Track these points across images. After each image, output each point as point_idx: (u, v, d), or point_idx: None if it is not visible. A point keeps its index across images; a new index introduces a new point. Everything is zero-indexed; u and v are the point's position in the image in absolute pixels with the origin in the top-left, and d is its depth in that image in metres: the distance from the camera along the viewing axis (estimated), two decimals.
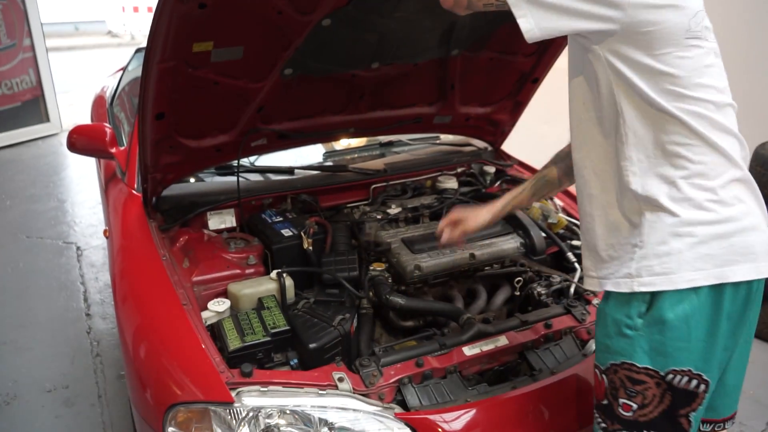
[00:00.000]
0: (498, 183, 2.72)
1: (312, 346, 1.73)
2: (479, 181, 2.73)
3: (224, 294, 1.93)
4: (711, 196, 1.29)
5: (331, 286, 2.01)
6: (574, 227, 2.41)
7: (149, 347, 1.72)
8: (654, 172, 1.31)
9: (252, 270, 2.03)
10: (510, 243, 2.21)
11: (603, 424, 1.46)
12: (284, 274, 1.94)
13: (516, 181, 2.68)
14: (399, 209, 2.42)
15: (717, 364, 1.35)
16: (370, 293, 2.03)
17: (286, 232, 2.16)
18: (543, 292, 2.11)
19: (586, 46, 1.31)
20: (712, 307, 1.31)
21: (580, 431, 1.69)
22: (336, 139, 2.61)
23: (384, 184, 2.58)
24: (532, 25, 1.25)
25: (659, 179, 1.31)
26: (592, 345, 1.89)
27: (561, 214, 2.43)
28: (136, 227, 2.17)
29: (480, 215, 1.82)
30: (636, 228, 1.34)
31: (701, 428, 1.54)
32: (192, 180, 2.53)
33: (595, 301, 2.02)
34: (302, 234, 2.12)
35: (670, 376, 1.34)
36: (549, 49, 2.37)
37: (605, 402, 1.45)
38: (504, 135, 2.86)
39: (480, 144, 2.95)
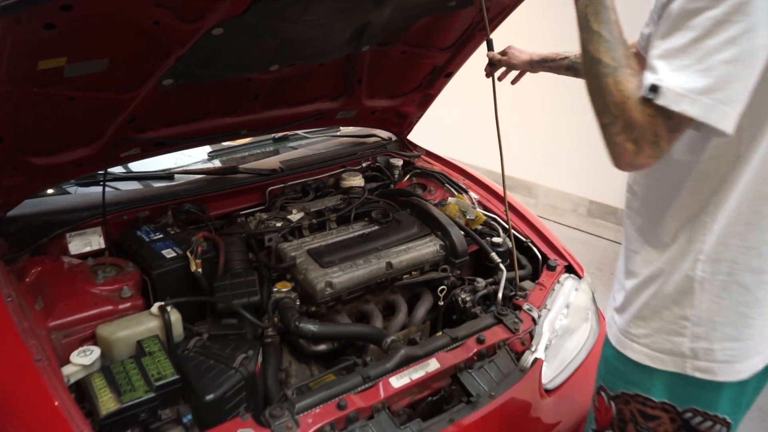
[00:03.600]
0: (408, 177, 2.49)
1: (209, 397, 1.42)
2: (387, 175, 2.49)
3: (93, 340, 1.55)
4: None
5: (228, 315, 1.69)
6: (493, 222, 2.23)
7: None
8: (738, 235, 1.05)
9: (128, 304, 1.65)
10: (429, 247, 1.98)
11: None
12: (168, 308, 1.59)
13: (427, 174, 2.47)
14: (301, 214, 2.12)
15: (746, 405, 1.19)
16: (276, 319, 1.73)
17: (168, 253, 1.80)
18: (468, 298, 1.91)
19: None
20: None
21: None
22: (225, 141, 2.25)
23: (281, 185, 2.27)
24: (734, 118, 0.92)
25: (741, 242, 1.06)
26: (528, 357, 1.71)
27: (478, 209, 2.24)
28: None
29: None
30: (688, 295, 1.11)
31: None
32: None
33: (526, 306, 1.84)
34: (188, 254, 1.77)
35: (689, 414, 1.16)
36: (468, 45, 2.16)
37: None
38: (411, 126, 2.63)
39: (384, 134, 2.70)
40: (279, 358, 1.75)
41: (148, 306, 1.65)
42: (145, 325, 1.56)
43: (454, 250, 1.99)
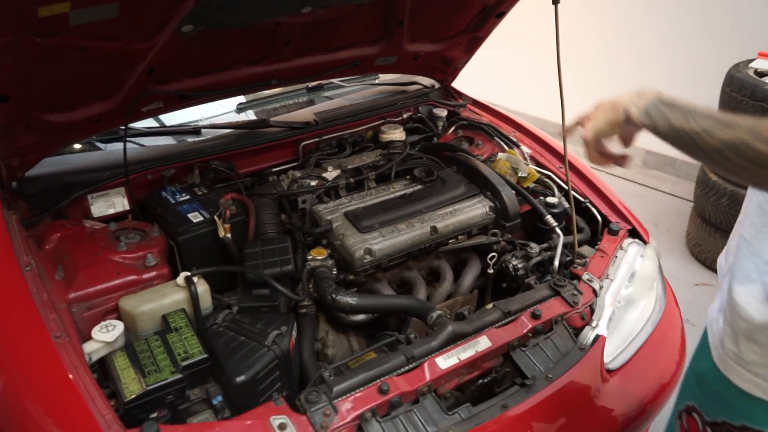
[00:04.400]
0: (452, 129, 2.28)
1: (239, 379, 1.31)
2: (429, 127, 2.29)
3: (116, 313, 1.45)
4: None
5: (259, 284, 1.56)
6: (547, 180, 2.02)
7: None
8: None
9: (153, 274, 1.53)
10: (477, 209, 1.80)
11: None
12: (195, 278, 1.46)
13: (474, 126, 2.26)
14: (337, 172, 1.96)
15: None
16: (310, 288, 1.60)
17: (195, 217, 1.66)
18: (519, 266, 1.75)
19: None
20: None
21: None
22: (253, 91, 2.07)
23: (316, 139, 2.10)
24: None
25: None
26: (588, 334, 1.55)
27: (531, 166, 2.04)
28: None
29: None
30: None
31: None
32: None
33: (586, 275, 1.66)
34: (216, 218, 1.64)
35: None
36: None
37: None
38: (456, 72, 2.40)
39: (426, 81, 2.48)
40: (315, 328, 1.63)
41: (175, 275, 1.54)
42: (170, 297, 1.45)
43: (505, 212, 1.81)
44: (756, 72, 2.77)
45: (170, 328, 1.38)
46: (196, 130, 2.05)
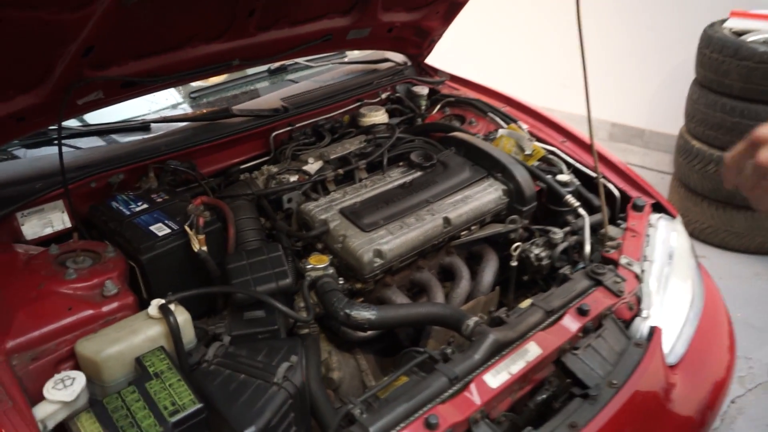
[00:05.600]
0: (438, 107, 2.04)
1: (249, 431, 1.01)
2: (411, 108, 2.04)
3: (73, 361, 1.12)
4: None
5: (249, 305, 1.27)
6: (552, 156, 1.81)
7: None
8: None
9: (115, 305, 1.21)
10: (489, 193, 1.57)
11: None
12: (172, 305, 1.16)
13: (463, 103, 2.02)
14: (320, 163, 1.68)
15: None
16: (313, 302, 1.32)
17: (160, 229, 1.35)
18: (543, 254, 1.53)
19: None
20: None
21: None
22: (212, 76, 1.75)
23: (287, 128, 1.81)
24: None
25: None
26: (641, 326, 1.35)
27: (535, 142, 1.82)
28: None
29: None
30: None
31: None
32: None
33: (624, 259, 1.46)
34: (187, 229, 1.33)
35: None
36: None
37: None
38: (431, 46, 2.16)
39: (398, 57, 2.23)
40: (319, 351, 1.36)
41: (143, 304, 1.22)
42: (143, 333, 1.13)
43: (520, 195, 1.59)
44: (732, 31, 2.67)
45: (149, 374, 1.07)
46: (144, 126, 1.71)
